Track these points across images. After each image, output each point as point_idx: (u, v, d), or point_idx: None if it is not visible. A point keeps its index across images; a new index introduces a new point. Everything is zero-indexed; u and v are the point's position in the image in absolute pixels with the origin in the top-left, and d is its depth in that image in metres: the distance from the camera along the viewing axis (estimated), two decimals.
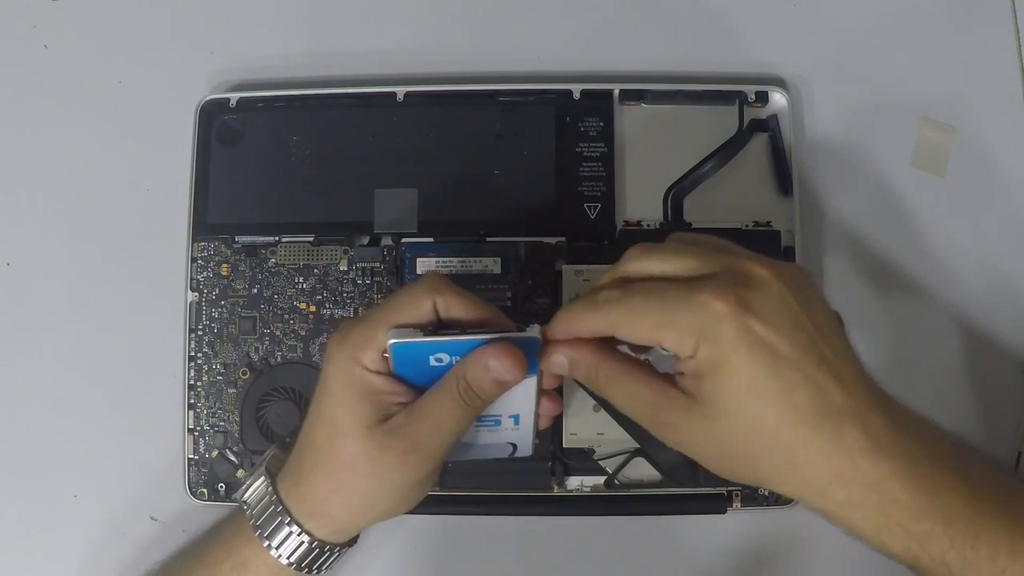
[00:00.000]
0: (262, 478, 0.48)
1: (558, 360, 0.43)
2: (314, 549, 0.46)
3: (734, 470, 0.41)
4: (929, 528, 0.39)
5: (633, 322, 0.40)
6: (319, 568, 0.48)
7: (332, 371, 0.44)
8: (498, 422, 0.46)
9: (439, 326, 0.43)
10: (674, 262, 0.41)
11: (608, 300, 0.41)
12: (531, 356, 0.43)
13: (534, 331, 0.42)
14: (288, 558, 0.46)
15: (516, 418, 0.46)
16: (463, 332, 0.43)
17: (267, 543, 0.46)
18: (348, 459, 0.44)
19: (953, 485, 0.39)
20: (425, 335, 0.42)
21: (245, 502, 0.48)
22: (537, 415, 0.46)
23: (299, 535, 0.46)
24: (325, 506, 0.46)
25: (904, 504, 0.38)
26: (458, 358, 0.43)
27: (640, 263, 0.42)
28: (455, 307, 0.43)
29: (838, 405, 0.39)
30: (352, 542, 0.49)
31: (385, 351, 0.43)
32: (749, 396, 0.38)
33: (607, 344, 0.43)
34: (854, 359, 0.41)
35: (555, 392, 0.46)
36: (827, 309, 0.41)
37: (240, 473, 0.55)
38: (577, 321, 0.42)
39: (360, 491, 0.45)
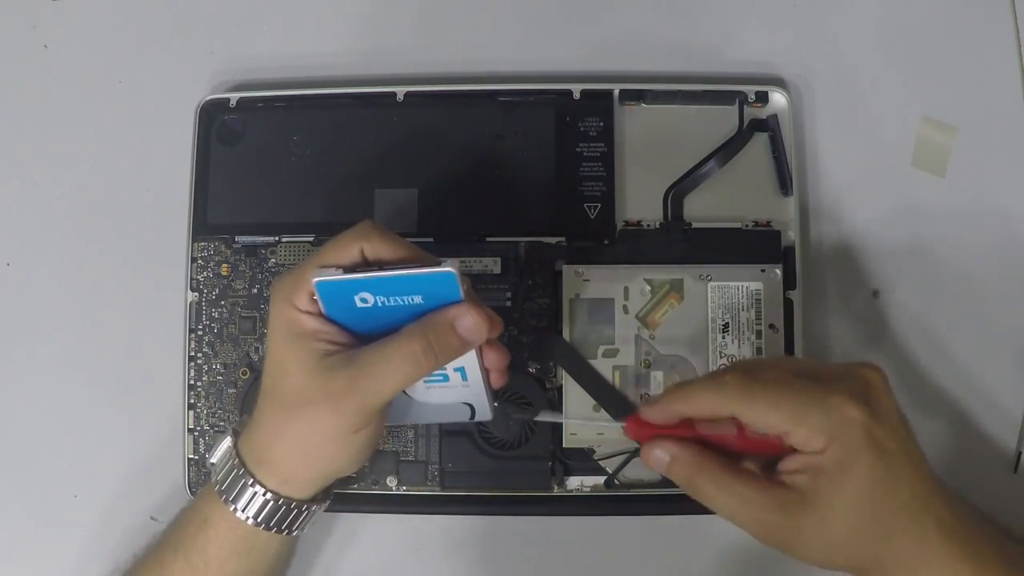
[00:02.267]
0: (228, 438, 0.49)
1: (658, 456, 0.45)
2: (269, 502, 0.47)
3: (832, 558, 0.44)
4: None
5: (764, 410, 0.43)
6: (280, 526, 0.48)
7: (271, 315, 0.46)
8: (445, 377, 0.46)
9: (366, 267, 0.44)
10: (796, 360, 0.45)
11: (736, 384, 0.43)
12: (449, 290, 0.43)
13: (449, 265, 0.43)
14: (244, 511, 0.47)
15: (462, 372, 0.46)
16: (381, 269, 0.43)
17: (225, 497, 0.47)
18: (288, 400, 0.45)
19: (1001, 564, 0.44)
20: (345, 273, 0.43)
21: (213, 463, 0.49)
22: (484, 369, 0.46)
23: (252, 486, 0.46)
24: (269, 452, 0.46)
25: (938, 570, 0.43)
26: (381, 297, 0.43)
27: (743, 402, 0.44)
28: (381, 250, 0.44)
29: (923, 500, 0.43)
30: (315, 502, 0.49)
31: (313, 292, 0.44)
32: (867, 492, 0.42)
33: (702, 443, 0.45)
34: (924, 456, 0.45)
35: (496, 341, 0.46)
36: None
37: None
38: (694, 398, 0.44)
39: (297, 436, 0.45)
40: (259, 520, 0.47)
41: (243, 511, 0.47)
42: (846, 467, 0.42)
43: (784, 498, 0.43)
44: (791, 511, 0.43)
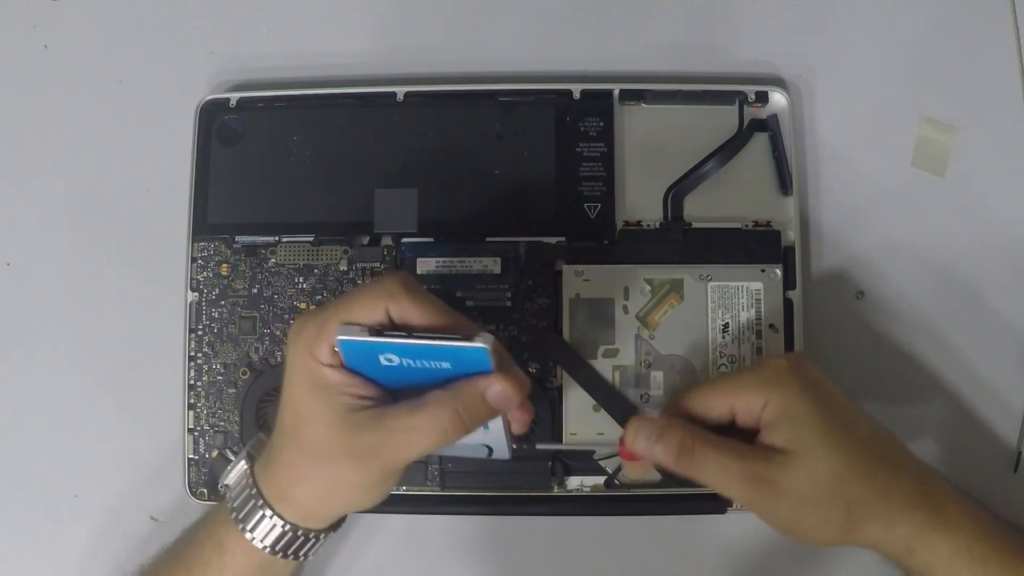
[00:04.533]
0: (243, 461, 0.49)
1: (645, 439, 0.47)
2: (287, 533, 0.47)
3: (830, 514, 0.45)
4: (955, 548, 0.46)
5: (707, 396, 0.47)
6: (296, 553, 0.48)
7: (291, 361, 0.45)
8: None
9: (391, 327, 0.43)
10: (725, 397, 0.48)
11: (681, 392, 0.49)
12: (480, 362, 0.42)
13: (484, 340, 0.42)
14: (262, 541, 0.47)
15: (484, 424, 0.46)
16: (410, 336, 0.42)
17: (242, 525, 0.47)
18: (310, 449, 0.45)
19: (974, 510, 0.48)
20: (371, 334, 0.42)
21: (226, 485, 0.49)
22: (507, 420, 0.46)
23: (271, 518, 0.46)
24: (291, 492, 0.46)
25: (953, 520, 0.46)
26: (408, 360, 0.43)
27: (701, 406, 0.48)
28: (410, 314, 0.43)
29: (890, 443, 0.47)
30: (332, 529, 0.49)
31: (336, 346, 0.43)
32: (825, 431, 0.45)
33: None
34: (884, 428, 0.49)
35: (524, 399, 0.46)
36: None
37: None
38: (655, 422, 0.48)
39: (321, 483, 0.45)
40: (276, 549, 0.47)
41: (261, 540, 0.47)
42: (793, 411, 0.45)
43: (765, 454, 0.45)
44: (773, 465, 0.45)
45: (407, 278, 0.44)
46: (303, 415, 0.45)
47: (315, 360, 0.44)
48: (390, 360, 0.43)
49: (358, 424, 0.43)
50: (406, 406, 0.43)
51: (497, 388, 0.43)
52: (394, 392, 0.45)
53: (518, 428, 0.47)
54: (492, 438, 0.47)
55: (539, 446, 0.52)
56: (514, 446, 0.48)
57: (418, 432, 0.43)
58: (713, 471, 0.46)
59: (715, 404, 0.47)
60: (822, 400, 0.46)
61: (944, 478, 0.49)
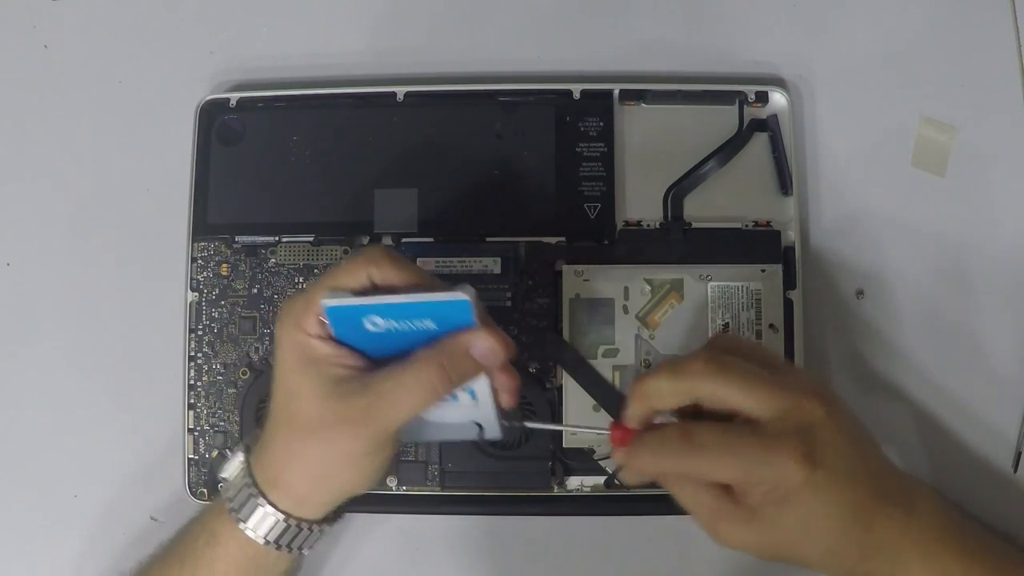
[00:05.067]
0: (240, 454, 0.49)
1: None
2: (279, 522, 0.47)
3: (776, 558, 0.46)
4: None
5: (709, 468, 0.44)
6: (290, 546, 0.48)
7: (280, 338, 0.45)
8: (454, 396, 0.46)
9: (376, 292, 0.44)
10: (740, 398, 0.44)
11: (680, 439, 0.44)
12: (464, 317, 0.43)
13: (464, 292, 0.42)
14: (255, 531, 0.47)
15: (472, 392, 0.46)
16: (393, 294, 0.43)
17: (235, 515, 0.47)
18: (302, 424, 0.45)
19: (952, 550, 0.46)
20: (355, 297, 0.43)
21: (224, 478, 0.49)
22: (493, 388, 0.46)
23: (264, 506, 0.46)
24: (284, 474, 0.46)
25: (914, 569, 0.45)
26: (392, 322, 0.43)
27: (708, 388, 0.45)
28: (391, 276, 0.44)
29: (871, 508, 0.45)
30: (326, 522, 0.49)
31: (323, 316, 0.44)
32: (807, 519, 0.44)
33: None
34: (890, 471, 0.47)
35: (508, 363, 0.46)
36: (868, 435, 0.47)
37: None
38: (653, 406, 0.46)
39: (313, 460, 0.45)
40: (269, 540, 0.47)
41: (254, 530, 0.47)
42: (788, 503, 0.44)
43: (735, 513, 0.45)
44: (737, 523, 0.45)
45: (388, 248, 0.45)
46: (293, 391, 0.45)
47: (303, 333, 0.44)
48: (376, 325, 0.43)
49: (346, 391, 0.44)
50: (392, 368, 0.44)
51: (482, 341, 0.43)
52: (383, 363, 0.45)
53: (507, 399, 0.47)
54: (481, 413, 0.47)
55: (528, 424, 0.51)
56: (504, 423, 0.48)
57: (405, 389, 0.43)
58: (683, 503, 0.46)
59: (714, 475, 0.45)
60: (818, 498, 0.44)
61: (927, 501, 0.47)
